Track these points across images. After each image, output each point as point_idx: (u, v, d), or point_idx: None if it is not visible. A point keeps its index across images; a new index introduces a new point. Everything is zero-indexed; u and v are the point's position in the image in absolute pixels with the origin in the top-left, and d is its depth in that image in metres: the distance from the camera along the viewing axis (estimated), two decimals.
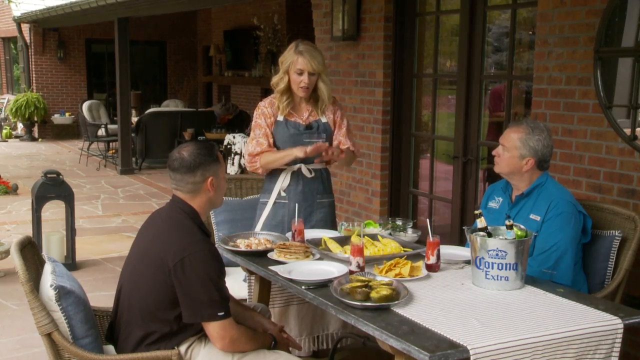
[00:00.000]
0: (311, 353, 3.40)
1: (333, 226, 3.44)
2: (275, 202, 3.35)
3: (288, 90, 3.30)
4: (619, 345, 2.19)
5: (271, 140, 3.33)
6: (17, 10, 13.52)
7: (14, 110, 13.74)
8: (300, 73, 3.23)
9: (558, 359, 2.10)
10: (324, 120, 3.39)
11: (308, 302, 2.48)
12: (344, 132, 3.45)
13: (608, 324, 2.18)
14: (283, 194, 3.34)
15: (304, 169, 3.34)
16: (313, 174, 3.36)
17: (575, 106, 3.63)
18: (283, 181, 3.33)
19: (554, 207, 2.79)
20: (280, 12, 11.07)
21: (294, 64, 3.23)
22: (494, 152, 2.95)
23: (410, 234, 3.15)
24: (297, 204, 3.20)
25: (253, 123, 3.40)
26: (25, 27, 14.30)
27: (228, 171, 8.45)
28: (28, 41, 14.34)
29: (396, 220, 3.27)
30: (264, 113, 3.36)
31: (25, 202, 7.44)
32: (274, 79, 3.33)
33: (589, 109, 3.56)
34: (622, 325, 2.19)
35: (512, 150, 2.85)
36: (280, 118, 3.33)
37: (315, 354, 3.43)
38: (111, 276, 5.13)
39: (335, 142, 3.43)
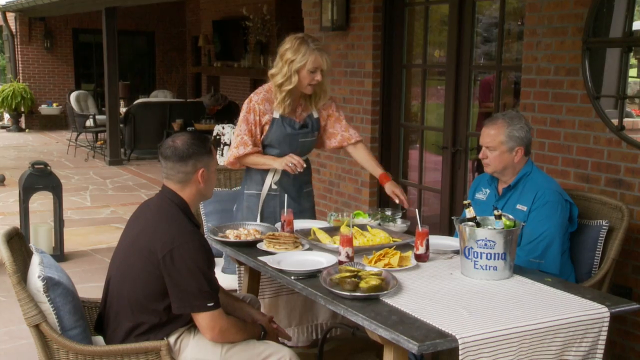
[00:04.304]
0: (301, 343, 3.41)
1: (314, 215, 3.47)
2: (266, 194, 3.33)
3: (291, 89, 3.18)
4: (606, 333, 2.22)
5: (258, 139, 3.25)
6: None
7: (0, 100, 13.61)
8: (314, 71, 3.13)
9: (545, 347, 2.12)
10: (315, 115, 3.34)
11: (297, 292, 2.48)
12: (345, 124, 3.41)
13: (595, 313, 2.20)
14: (274, 186, 3.32)
15: None
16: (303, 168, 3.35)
17: (563, 97, 3.65)
18: (274, 175, 3.30)
19: (540, 197, 2.81)
20: (270, 2, 11.01)
21: (310, 62, 3.10)
22: (480, 156, 2.95)
23: (399, 224, 3.15)
24: (286, 195, 3.20)
25: (241, 116, 3.26)
26: (11, 16, 14.13)
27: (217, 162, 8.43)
28: (14, 31, 14.18)
29: (385, 210, 3.28)
30: (255, 110, 3.23)
31: (12, 193, 7.40)
32: (279, 79, 3.15)
33: (577, 99, 3.58)
34: (608, 314, 2.21)
35: (499, 146, 2.86)
36: (277, 115, 3.24)
37: (312, 344, 3.44)
38: (100, 267, 5.11)
39: (338, 138, 3.39)
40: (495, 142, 2.86)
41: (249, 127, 3.24)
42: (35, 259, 2.35)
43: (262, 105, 3.24)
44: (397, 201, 3.23)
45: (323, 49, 3.18)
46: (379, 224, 3.13)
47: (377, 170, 3.39)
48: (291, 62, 3.13)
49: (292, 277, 2.47)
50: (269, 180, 3.30)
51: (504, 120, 2.87)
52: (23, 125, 14.28)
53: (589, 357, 2.21)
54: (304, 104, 3.32)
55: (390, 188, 3.25)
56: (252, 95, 3.30)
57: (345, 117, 3.45)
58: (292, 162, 3.14)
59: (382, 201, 5.14)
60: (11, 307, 4.19)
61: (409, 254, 2.64)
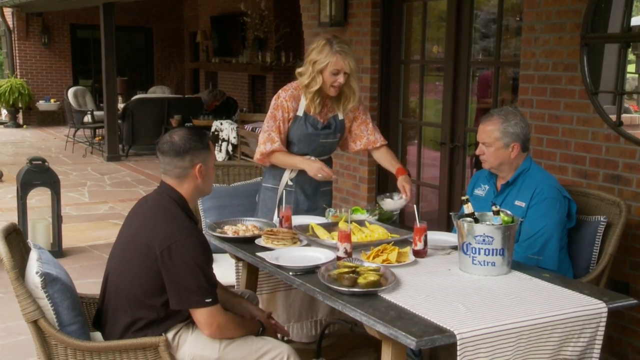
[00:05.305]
0: (300, 339, 3.41)
1: None
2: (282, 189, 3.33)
3: (319, 89, 3.18)
4: (603, 329, 2.22)
5: (283, 136, 3.25)
6: None
7: None
8: (337, 73, 3.11)
9: (543, 343, 2.12)
10: (340, 117, 3.32)
11: (296, 288, 2.48)
12: (371, 128, 3.39)
13: (592, 308, 2.21)
14: (290, 182, 3.32)
15: None
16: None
17: (561, 92, 3.65)
18: (291, 171, 3.29)
19: (539, 193, 2.81)
20: None
21: (331, 64, 3.09)
22: (477, 152, 2.95)
23: (396, 200, 3.15)
24: (284, 191, 3.20)
25: (269, 112, 3.27)
26: (8, 12, 14.08)
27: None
28: (11, 26, 14.14)
29: (383, 196, 3.27)
30: (284, 106, 3.23)
31: (10, 190, 7.38)
32: (305, 80, 3.16)
33: (575, 95, 3.58)
34: (606, 310, 2.22)
35: (495, 143, 2.86)
36: (300, 113, 3.24)
37: (311, 340, 3.44)
38: (98, 263, 5.11)
39: (364, 141, 3.38)
40: (490, 138, 2.87)
41: (277, 124, 3.23)
42: (33, 255, 2.35)
43: (289, 102, 3.24)
44: (402, 194, 3.21)
45: (348, 52, 3.13)
46: (379, 214, 3.13)
47: (394, 165, 3.36)
48: (314, 62, 3.13)
49: (291, 273, 2.47)
50: (286, 176, 3.30)
51: (499, 117, 2.87)
52: (21, 121, 14.26)
53: (587, 353, 2.22)
54: (330, 105, 3.29)
55: (401, 182, 3.23)
56: (280, 91, 3.29)
57: (372, 121, 3.43)
58: (322, 174, 3.15)
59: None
60: (9, 303, 4.19)
61: (407, 249, 2.64)
